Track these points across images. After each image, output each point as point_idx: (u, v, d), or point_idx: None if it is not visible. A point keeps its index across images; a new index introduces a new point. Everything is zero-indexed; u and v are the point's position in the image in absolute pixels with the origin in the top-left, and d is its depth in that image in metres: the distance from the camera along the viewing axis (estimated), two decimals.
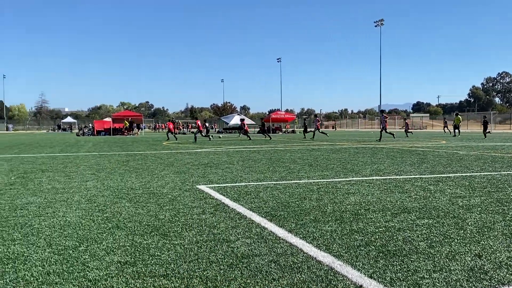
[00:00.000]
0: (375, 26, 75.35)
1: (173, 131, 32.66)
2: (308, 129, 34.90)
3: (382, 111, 29.43)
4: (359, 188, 7.48)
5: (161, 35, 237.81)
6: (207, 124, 35.84)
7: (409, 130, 37.26)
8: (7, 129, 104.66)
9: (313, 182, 8.27)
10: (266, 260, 3.67)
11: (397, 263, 3.56)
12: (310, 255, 3.78)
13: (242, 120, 36.96)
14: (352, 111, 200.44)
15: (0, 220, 5.20)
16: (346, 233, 4.53)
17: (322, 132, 28.80)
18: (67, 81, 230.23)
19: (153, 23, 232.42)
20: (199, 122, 33.23)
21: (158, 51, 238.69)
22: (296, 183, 8.17)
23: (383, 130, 27.42)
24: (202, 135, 32.43)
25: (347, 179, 8.68)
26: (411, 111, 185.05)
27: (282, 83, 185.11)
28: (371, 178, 8.82)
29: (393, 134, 28.95)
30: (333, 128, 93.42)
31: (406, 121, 39.30)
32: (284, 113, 65.60)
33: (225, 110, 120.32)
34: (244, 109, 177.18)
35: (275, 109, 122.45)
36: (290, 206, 5.90)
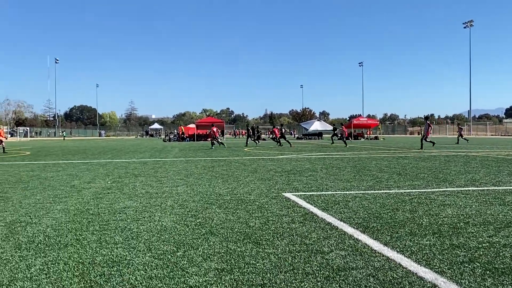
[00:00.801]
0: (464, 27, 71.79)
1: (216, 136, 32.39)
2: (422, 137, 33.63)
3: (426, 118, 26.41)
4: (454, 199, 7.09)
5: (240, 43, 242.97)
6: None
7: (463, 137, 36.65)
8: (100, 135, 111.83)
9: (404, 192, 7.96)
10: (363, 274, 3.56)
11: (508, 282, 3.31)
12: (410, 270, 3.62)
13: (274, 127, 36.16)
14: (439, 116, 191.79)
15: (102, 224, 5.51)
16: (446, 247, 4.29)
17: (430, 141, 25.77)
18: (154, 89, 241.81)
19: (232, 31, 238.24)
20: (276, 130, 33.44)
21: (238, 59, 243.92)
22: (386, 193, 7.91)
23: (424, 139, 25.23)
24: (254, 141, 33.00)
25: (441, 189, 8.26)
26: (504, 116, 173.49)
27: (364, 88, 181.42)
28: (466, 188, 8.33)
29: (433, 143, 26.25)
30: (418, 134, 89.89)
31: (460, 126, 38.85)
32: (366, 118, 64.14)
33: (304, 116, 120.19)
34: (324, 115, 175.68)
35: (356, 115, 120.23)
36: (383, 218, 5.70)
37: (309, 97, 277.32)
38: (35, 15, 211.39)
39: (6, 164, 15.64)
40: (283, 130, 35.78)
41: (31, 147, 33.72)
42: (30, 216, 6.00)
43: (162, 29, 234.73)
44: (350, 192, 8.06)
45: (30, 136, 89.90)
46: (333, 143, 35.27)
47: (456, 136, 35.58)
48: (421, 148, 24.61)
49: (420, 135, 62.37)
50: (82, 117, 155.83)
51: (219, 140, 32.50)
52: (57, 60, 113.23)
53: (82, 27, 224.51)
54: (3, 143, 24.92)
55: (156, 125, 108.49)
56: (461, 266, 3.74)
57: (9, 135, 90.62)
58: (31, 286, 3.37)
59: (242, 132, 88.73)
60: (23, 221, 5.68)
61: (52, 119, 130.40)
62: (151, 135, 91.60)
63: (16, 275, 3.60)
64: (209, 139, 49.19)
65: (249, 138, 35.53)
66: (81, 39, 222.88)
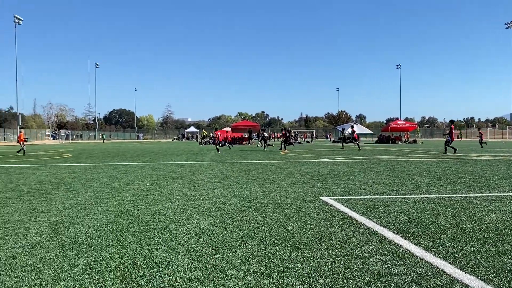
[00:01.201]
0: (506, 28, 69.62)
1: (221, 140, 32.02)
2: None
3: (451, 121, 24.85)
4: (499, 205, 6.85)
5: (276, 47, 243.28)
6: (265, 134, 35.42)
7: (483, 141, 37.02)
8: (138, 138, 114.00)
9: (445, 197, 7.75)
10: (406, 280, 3.47)
11: None
12: (455, 278, 3.51)
13: (283, 129, 35.86)
14: (479, 119, 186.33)
15: (142, 225, 5.60)
16: (491, 255, 4.14)
17: (452, 147, 23.74)
18: (190, 92, 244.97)
19: (267, 35, 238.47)
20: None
21: (273, 62, 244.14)
22: (426, 197, 7.72)
23: (448, 143, 23.72)
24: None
25: (484, 194, 8.00)
26: None
27: (402, 91, 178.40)
28: (511, 194, 8.04)
29: (455, 149, 23.74)
30: (458, 137, 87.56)
31: (480, 131, 38.94)
32: (404, 122, 62.93)
33: (340, 119, 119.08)
34: (360, 118, 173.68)
35: (393, 118, 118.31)
36: (424, 223, 5.56)
37: (345, 100, 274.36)
38: (77, 21, 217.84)
39: (49, 166, 16.15)
40: (289, 134, 35.50)
41: (72, 150, 34.71)
42: (72, 217, 6.16)
43: (199, 33, 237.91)
44: (389, 196, 7.91)
45: (71, 139, 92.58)
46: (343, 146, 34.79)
47: (478, 141, 35.62)
48: (445, 152, 23.81)
49: (458, 139, 60.70)
50: (120, 120, 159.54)
51: (219, 144, 30.82)
52: (97, 64, 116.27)
53: (121, 32, 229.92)
54: (24, 146, 27.44)
55: (192, 128, 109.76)
56: (508, 274, 3.60)
57: (51, 138, 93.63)
58: (74, 285, 3.45)
59: (277, 135, 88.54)
60: (66, 222, 5.83)
61: (92, 122, 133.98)
62: (187, 138, 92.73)
63: (60, 275, 3.70)
64: (244, 143, 49.45)
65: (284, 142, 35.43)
66: (120, 44, 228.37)
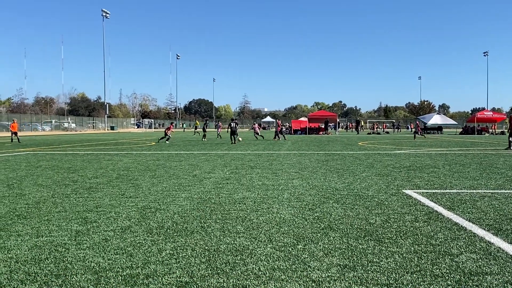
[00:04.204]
0: None
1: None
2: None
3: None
4: None
5: (352, 36, 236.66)
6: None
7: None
8: (216, 127, 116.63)
9: None
10: (499, 280, 3.28)
11: None
12: None
13: (277, 119, 34.60)
14: None
15: (224, 213, 5.73)
16: None
17: None
18: (267, 82, 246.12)
19: (344, 24, 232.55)
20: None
21: (350, 50, 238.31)
22: None
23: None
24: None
25: None
26: None
27: (489, 79, 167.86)
28: None
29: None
30: None
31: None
32: (491, 112, 59.21)
33: (422, 109, 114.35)
34: (443, 108, 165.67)
35: (479, 108, 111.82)
36: None
37: (427, 89, 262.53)
38: (161, 13, 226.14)
39: (135, 154, 16.99)
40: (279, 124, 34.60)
41: (155, 138, 36.27)
42: (158, 203, 6.44)
43: (275, 25, 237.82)
44: (478, 190, 7.50)
45: (154, 128, 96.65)
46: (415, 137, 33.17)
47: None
48: (510, 147, 19.87)
49: None
50: (200, 110, 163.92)
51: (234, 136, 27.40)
52: (178, 56, 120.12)
53: (201, 24, 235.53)
54: (17, 135, 27.96)
55: (268, 118, 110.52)
56: None
57: (136, 126, 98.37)
58: (163, 269, 3.60)
59: (350, 125, 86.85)
60: (152, 207, 6.11)
61: (173, 111, 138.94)
62: (264, 128, 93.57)
63: (149, 259, 3.88)
64: (321, 133, 49.01)
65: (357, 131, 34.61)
66: (200, 36, 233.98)
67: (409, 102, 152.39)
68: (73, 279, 3.39)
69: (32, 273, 3.51)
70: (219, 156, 15.72)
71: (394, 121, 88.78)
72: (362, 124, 70.00)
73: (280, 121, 37.01)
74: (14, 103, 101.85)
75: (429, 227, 4.93)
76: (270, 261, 3.75)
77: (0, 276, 3.46)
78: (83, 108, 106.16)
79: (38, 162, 13.23)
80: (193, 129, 53.05)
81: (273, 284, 3.23)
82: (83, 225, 5.09)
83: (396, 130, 73.07)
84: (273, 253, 3.96)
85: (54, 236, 4.62)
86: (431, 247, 4.15)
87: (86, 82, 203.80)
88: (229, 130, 26.41)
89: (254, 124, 38.04)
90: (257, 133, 32.76)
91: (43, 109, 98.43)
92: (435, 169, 10.84)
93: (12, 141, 27.93)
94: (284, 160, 13.68)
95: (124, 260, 3.83)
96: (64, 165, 12.21)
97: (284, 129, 42.24)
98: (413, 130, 34.92)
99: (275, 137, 32.40)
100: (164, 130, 29.89)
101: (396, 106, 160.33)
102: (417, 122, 34.35)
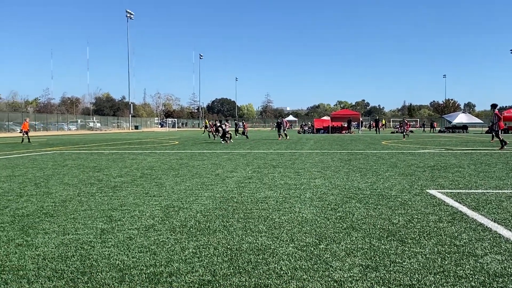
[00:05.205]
0: None
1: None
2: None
3: (493, 106, 19.48)
4: None
5: (375, 33, 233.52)
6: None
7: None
8: (237, 125, 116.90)
9: None
10: None
11: None
12: None
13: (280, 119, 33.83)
14: None
15: (246, 212, 5.77)
16: None
17: (500, 139, 18.81)
18: (289, 81, 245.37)
19: (367, 22, 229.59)
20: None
21: (372, 49, 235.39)
22: None
23: (492, 132, 19.61)
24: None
25: None
26: None
27: None
28: None
29: (504, 143, 18.89)
30: None
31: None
32: None
33: (447, 107, 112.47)
34: (469, 106, 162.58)
35: (506, 107, 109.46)
36: None
37: (452, 88, 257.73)
38: (184, 13, 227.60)
39: (159, 153, 17.18)
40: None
41: (178, 137, 36.60)
42: (181, 202, 6.51)
43: (298, 23, 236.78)
44: (504, 191, 7.36)
45: (177, 127, 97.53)
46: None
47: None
48: (502, 145, 18.85)
49: None
50: (222, 109, 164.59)
51: (219, 135, 27.95)
52: (201, 55, 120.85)
53: (223, 23, 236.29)
54: (28, 134, 26.60)
55: (290, 117, 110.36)
56: None
57: (159, 126, 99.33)
58: (186, 268, 3.64)
59: (372, 124, 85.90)
60: (175, 206, 6.18)
61: (196, 111, 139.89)
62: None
63: (173, 257, 3.93)
64: (343, 132, 48.67)
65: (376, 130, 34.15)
66: (222, 35, 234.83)
67: (434, 101, 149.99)
68: (98, 276, 3.46)
69: (58, 270, 3.60)
70: (242, 155, 15.78)
71: (418, 119, 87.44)
72: (383, 122, 69.30)
73: (286, 120, 38.23)
74: (41, 103, 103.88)
75: (453, 227, 4.87)
76: (292, 260, 3.77)
77: (28, 272, 3.56)
78: (108, 108, 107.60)
79: (64, 161, 13.51)
80: (203, 128, 52.61)
81: (295, 284, 3.25)
82: (108, 224, 5.18)
83: (421, 128, 72.05)
84: (295, 253, 3.97)
85: (80, 234, 4.72)
86: (455, 247, 4.09)
87: (110, 82, 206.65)
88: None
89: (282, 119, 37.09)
90: (285, 129, 32.58)
91: (69, 109, 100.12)
92: (460, 169, 10.67)
93: (22, 141, 26.72)
94: (307, 159, 13.65)
95: (148, 258, 3.89)
96: (90, 164, 12.44)
97: (305, 128, 42.18)
98: (401, 130, 34.30)
99: (279, 136, 32.20)
100: (214, 127, 30.64)
101: (420, 105, 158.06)
102: (406, 121, 34.18)
